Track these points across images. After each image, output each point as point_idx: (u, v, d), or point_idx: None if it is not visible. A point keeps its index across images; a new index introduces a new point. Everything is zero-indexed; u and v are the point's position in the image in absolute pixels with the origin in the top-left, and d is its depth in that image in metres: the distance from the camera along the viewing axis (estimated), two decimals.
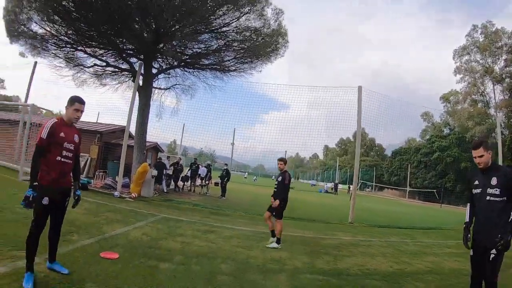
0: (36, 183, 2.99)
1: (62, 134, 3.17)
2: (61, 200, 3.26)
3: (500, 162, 14.33)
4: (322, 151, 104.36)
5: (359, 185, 50.22)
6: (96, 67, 12.51)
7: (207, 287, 3.58)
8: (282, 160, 6.45)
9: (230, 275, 4.07)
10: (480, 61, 40.45)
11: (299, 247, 6.26)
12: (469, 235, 3.26)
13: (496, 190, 3.07)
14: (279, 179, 6.29)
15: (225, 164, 17.71)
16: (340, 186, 43.07)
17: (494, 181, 3.11)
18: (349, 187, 41.40)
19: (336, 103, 13.99)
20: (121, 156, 10.02)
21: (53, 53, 11.84)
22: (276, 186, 6.32)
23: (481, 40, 39.66)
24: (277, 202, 6.07)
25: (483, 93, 41.42)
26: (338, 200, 25.93)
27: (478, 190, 3.23)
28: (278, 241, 6.07)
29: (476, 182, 3.27)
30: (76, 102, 3.28)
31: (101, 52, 12.19)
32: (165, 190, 13.20)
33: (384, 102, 14.61)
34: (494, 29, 38.80)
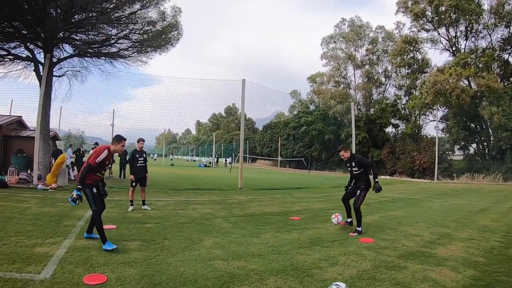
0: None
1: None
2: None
3: (352, 134, 20.41)
4: (195, 126, 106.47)
5: (236, 158, 55.16)
6: None
7: (179, 229, 5.85)
8: (143, 140, 7.93)
9: (189, 223, 6.44)
10: (345, 49, 47.28)
11: (215, 206, 8.89)
12: (348, 186, 6.44)
13: (355, 168, 6.16)
14: (144, 155, 7.83)
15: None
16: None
17: (353, 164, 6.17)
18: (226, 160, 46.18)
19: (209, 84, 16.45)
20: (35, 148, 10.08)
21: None
22: (142, 162, 7.74)
23: (347, 31, 46.57)
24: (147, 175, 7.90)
25: (345, 77, 48.72)
26: (222, 173, 29.41)
27: (349, 169, 6.30)
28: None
29: (348, 165, 6.28)
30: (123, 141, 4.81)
31: None
32: (72, 177, 13.42)
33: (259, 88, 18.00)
34: (360, 23, 46.12)
